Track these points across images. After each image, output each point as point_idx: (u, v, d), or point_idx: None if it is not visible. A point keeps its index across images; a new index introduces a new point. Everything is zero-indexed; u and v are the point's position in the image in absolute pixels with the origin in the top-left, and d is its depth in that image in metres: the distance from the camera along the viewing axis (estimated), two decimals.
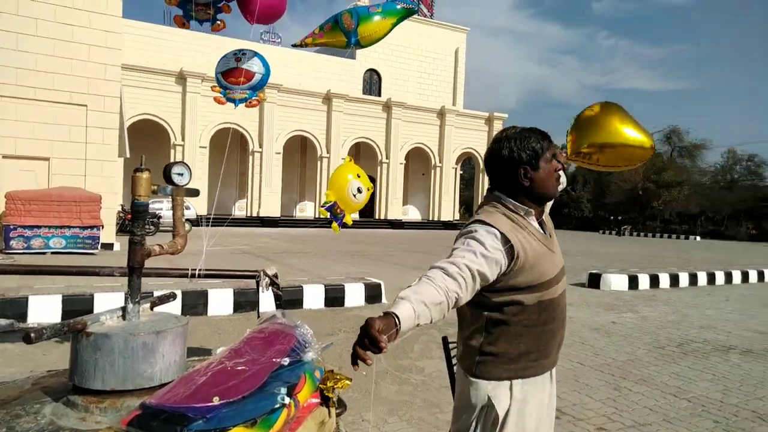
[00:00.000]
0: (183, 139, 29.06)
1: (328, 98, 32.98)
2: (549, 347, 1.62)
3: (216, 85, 4.19)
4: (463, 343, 1.67)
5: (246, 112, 30.76)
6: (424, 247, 18.99)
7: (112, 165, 14.83)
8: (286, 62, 32.59)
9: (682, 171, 44.52)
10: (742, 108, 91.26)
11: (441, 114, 37.23)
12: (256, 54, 4.08)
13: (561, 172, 1.68)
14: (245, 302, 6.77)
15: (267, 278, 2.71)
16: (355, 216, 39.24)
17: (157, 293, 1.98)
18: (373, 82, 37.52)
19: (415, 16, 39.00)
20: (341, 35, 3.66)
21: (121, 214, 19.23)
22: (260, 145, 31.21)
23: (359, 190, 3.94)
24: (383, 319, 1.24)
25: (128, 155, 16.42)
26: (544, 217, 1.73)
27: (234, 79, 4.12)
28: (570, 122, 2.26)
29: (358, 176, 4.22)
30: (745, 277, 11.78)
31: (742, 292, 10.25)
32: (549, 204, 1.85)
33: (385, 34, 3.77)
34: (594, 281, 10.03)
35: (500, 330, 1.57)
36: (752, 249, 26.09)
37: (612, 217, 43.71)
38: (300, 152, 35.22)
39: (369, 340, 1.18)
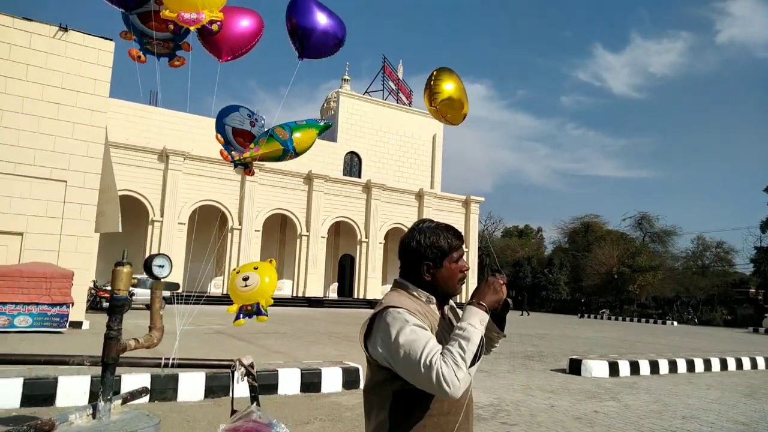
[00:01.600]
0: (162, 216, 28.93)
1: (309, 178, 33.54)
2: None
3: (218, 133, 4.08)
4: None
5: (227, 190, 30.99)
6: None
7: (88, 241, 14.60)
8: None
9: (654, 256, 45.51)
10: (705, 196, 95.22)
11: (419, 196, 37.99)
12: (264, 125, 4.09)
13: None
14: (217, 387, 6.48)
15: (242, 368, 2.63)
16: (334, 295, 38.66)
17: (125, 377, 1.89)
18: (353, 164, 38.43)
19: (395, 103, 40.83)
20: (278, 145, 3.90)
21: (93, 291, 18.68)
22: (240, 223, 31.20)
23: (245, 278, 3.87)
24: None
25: (120, 229, 16.00)
26: (447, 310, 1.73)
27: (242, 140, 4.06)
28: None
29: (255, 269, 4.15)
30: (723, 364, 11.75)
31: (722, 380, 10.19)
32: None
33: (311, 145, 4.11)
34: (575, 367, 9.90)
35: (407, 421, 1.50)
36: (728, 335, 26.25)
37: (583, 300, 43.85)
38: (279, 230, 35.24)
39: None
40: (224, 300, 28.89)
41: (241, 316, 3.95)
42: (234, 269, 4.12)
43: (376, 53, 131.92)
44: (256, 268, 4.04)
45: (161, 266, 1.61)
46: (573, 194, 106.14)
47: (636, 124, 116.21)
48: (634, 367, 10.27)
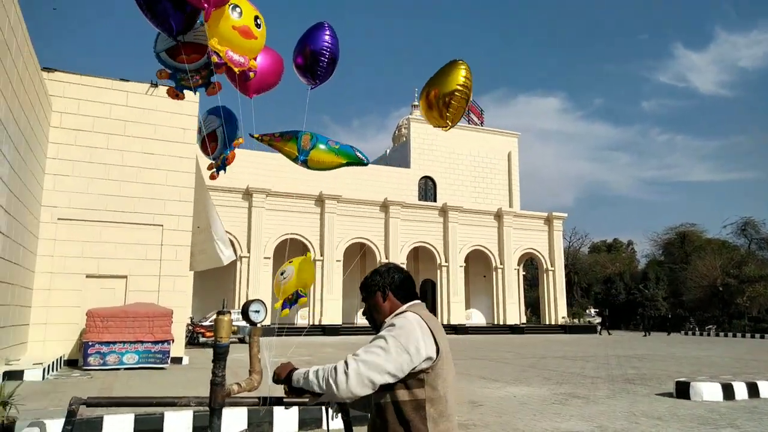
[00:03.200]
0: (248, 251, 30.25)
1: (385, 206, 33.91)
2: None
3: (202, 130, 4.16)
4: None
5: (308, 223, 31.94)
6: (491, 353, 18.19)
7: (184, 280, 15.50)
8: (344, 175, 34.22)
9: (764, 264, 41.67)
10: None
11: (498, 216, 37.27)
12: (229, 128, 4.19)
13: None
14: (311, 419, 6.60)
15: (335, 404, 2.65)
16: None
17: (224, 411, 1.95)
18: (428, 188, 38.49)
19: (466, 124, 40.65)
20: (295, 148, 3.91)
21: (190, 327, 19.74)
22: (321, 254, 31.97)
23: (281, 272, 3.87)
24: None
25: (234, 257, 16.29)
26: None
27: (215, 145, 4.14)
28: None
29: (290, 261, 4.18)
30: None
31: None
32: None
33: (333, 168, 4.06)
34: (682, 391, 9.16)
35: None
36: None
37: (670, 315, 40.54)
38: (360, 258, 35.73)
39: None
40: (311, 331, 29.54)
41: (286, 306, 4.06)
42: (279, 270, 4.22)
43: None
44: (290, 262, 4.12)
45: (257, 311, 1.68)
46: (664, 203, 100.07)
47: (729, 123, 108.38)
48: (752, 389, 9.35)
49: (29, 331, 13.14)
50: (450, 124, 3.51)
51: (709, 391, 8.99)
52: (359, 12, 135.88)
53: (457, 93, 3.38)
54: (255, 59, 3.79)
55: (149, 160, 15.09)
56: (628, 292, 46.75)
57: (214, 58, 3.76)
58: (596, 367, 14.27)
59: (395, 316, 1.92)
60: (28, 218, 12.24)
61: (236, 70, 3.57)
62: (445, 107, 3.44)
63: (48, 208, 13.83)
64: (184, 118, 15.70)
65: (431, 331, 1.86)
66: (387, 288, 2.02)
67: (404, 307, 1.99)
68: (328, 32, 3.91)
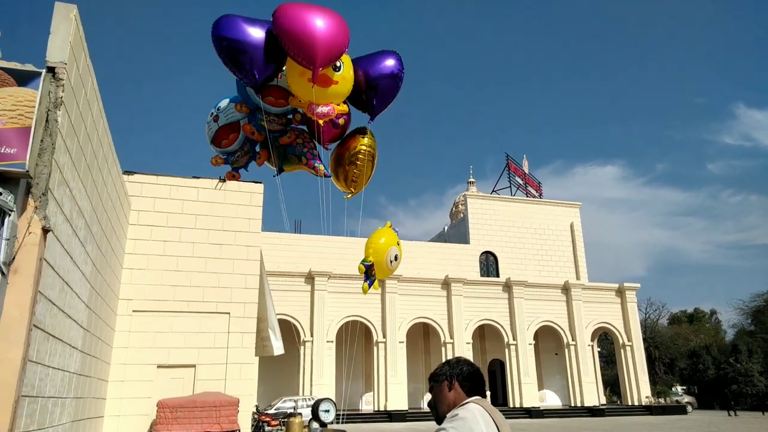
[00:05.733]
0: (311, 335, 30.23)
1: (446, 283, 33.41)
2: None
3: (216, 157, 4.19)
4: None
5: (370, 304, 31.77)
6: None
7: (250, 367, 15.55)
8: (404, 255, 34.34)
9: None
10: None
11: (565, 289, 35.84)
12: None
13: None
14: None
15: None
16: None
17: None
18: (489, 263, 37.81)
19: (525, 197, 40.29)
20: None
21: (255, 415, 19.54)
22: (384, 335, 31.48)
23: (396, 258, 3.81)
24: None
25: (282, 351, 16.63)
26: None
27: (226, 141, 4.13)
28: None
29: (398, 243, 4.29)
30: None
31: None
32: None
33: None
34: None
35: None
36: None
37: (727, 391, 36.12)
38: (423, 339, 34.89)
39: None
40: (377, 417, 28.54)
41: (365, 276, 4.11)
42: (388, 224, 4.29)
43: (499, 151, 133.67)
44: (398, 243, 4.20)
45: (327, 411, 1.65)
46: (747, 268, 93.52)
47: None
48: None
49: (104, 423, 13.40)
50: (353, 191, 3.84)
51: None
52: (407, 104, 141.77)
53: (349, 164, 3.71)
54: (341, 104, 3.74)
55: (217, 251, 15.73)
56: (718, 366, 42.84)
57: (297, 117, 3.79)
58: None
59: (458, 407, 1.88)
60: (107, 312, 12.85)
61: (320, 122, 3.54)
62: (345, 181, 3.77)
63: (124, 301, 14.49)
64: (250, 209, 16.43)
65: (495, 423, 1.78)
66: (454, 378, 1.99)
67: (468, 399, 1.94)
68: (393, 59, 3.88)
